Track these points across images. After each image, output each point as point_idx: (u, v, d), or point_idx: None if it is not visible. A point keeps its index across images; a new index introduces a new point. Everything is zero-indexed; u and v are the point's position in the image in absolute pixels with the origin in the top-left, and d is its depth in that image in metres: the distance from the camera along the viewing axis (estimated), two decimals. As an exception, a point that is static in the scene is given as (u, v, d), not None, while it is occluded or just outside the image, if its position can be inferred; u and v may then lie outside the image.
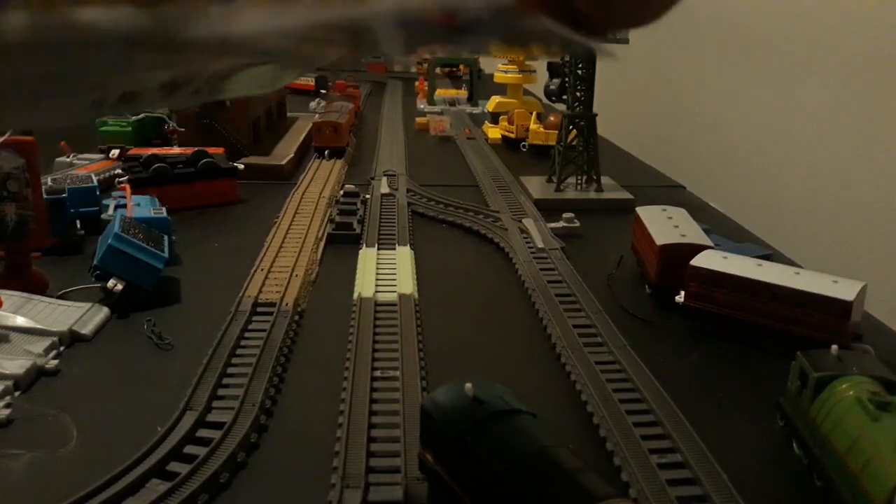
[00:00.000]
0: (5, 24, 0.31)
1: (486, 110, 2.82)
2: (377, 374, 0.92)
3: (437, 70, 3.50)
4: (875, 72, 1.99)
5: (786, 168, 2.37)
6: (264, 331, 1.02)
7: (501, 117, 2.51)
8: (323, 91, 3.41)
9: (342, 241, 1.44)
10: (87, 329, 1.03)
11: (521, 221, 1.53)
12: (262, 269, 1.24)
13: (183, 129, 1.97)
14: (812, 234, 2.18)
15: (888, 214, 1.92)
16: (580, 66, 1.70)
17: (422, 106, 3.17)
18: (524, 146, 2.35)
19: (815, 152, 2.23)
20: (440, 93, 3.32)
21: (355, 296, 1.16)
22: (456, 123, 2.73)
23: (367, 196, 1.70)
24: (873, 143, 1.99)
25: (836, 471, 0.70)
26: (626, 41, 1.68)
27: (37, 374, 0.92)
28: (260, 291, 1.15)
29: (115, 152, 1.88)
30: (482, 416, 0.65)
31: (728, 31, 2.78)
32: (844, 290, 0.96)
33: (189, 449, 0.77)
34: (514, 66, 2.71)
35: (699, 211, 1.54)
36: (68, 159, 1.85)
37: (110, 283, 1.10)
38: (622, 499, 0.55)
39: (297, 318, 1.10)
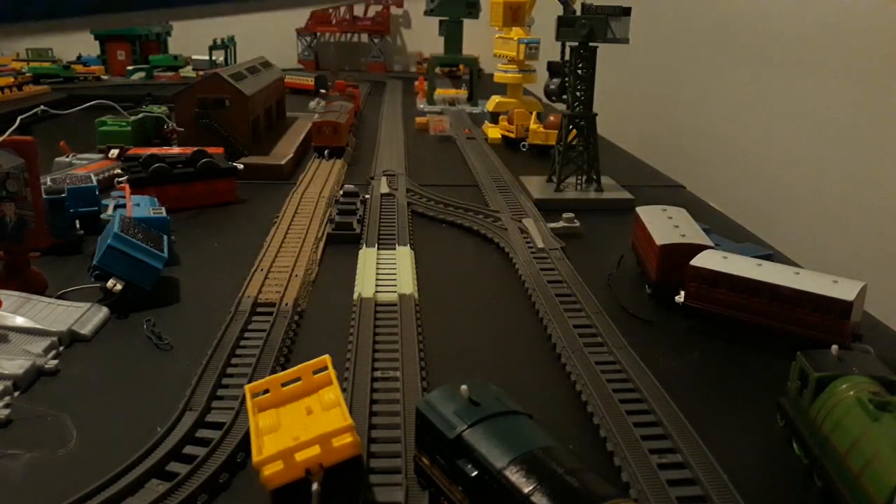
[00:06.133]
0: None
1: (485, 110, 2.82)
2: (377, 374, 0.92)
3: (437, 70, 3.50)
4: (875, 71, 1.99)
5: (785, 168, 2.37)
6: (264, 331, 1.02)
7: (501, 117, 2.51)
8: (322, 91, 3.41)
9: (342, 241, 1.44)
10: (86, 329, 1.03)
11: (521, 221, 1.53)
12: (261, 269, 1.24)
13: (182, 129, 1.97)
14: (812, 234, 2.18)
15: (888, 214, 1.92)
16: (580, 65, 1.70)
17: (421, 105, 3.17)
18: (524, 146, 2.35)
19: (816, 152, 2.23)
20: (440, 92, 3.32)
21: (355, 296, 1.16)
22: (456, 123, 2.73)
23: (367, 196, 1.70)
24: (873, 142, 1.99)
25: (837, 471, 0.70)
26: (626, 41, 1.68)
27: (36, 374, 0.92)
28: (259, 291, 1.15)
29: (114, 152, 1.88)
30: (479, 417, 0.65)
31: (728, 31, 2.78)
32: (844, 290, 0.96)
33: (188, 449, 0.77)
34: (514, 66, 2.71)
35: (699, 211, 1.54)
36: (67, 159, 1.85)
37: (109, 283, 1.10)
38: (624, 499, 0.55)
39: (296, 318, 1.10)
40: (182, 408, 0.83)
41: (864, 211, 2.02)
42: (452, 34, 3.18)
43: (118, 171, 1.69)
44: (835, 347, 0.80)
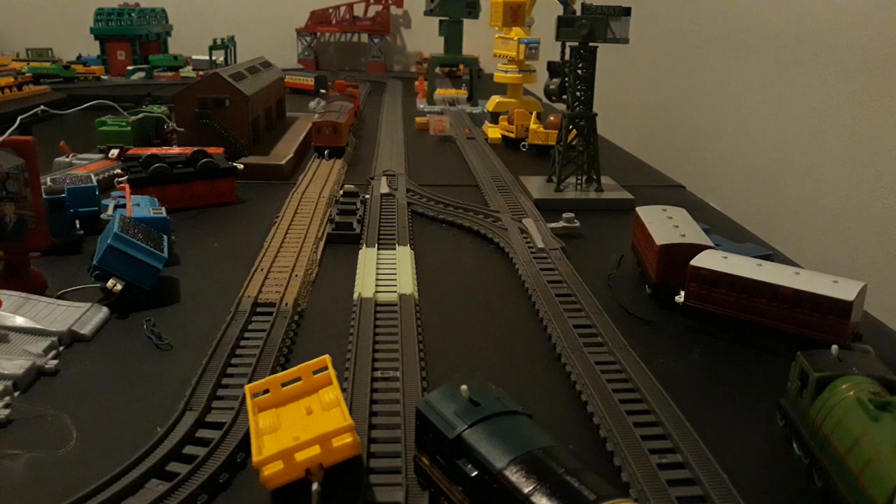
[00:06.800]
0: None
1: (485, 110, 2.82)
2: (377, 374, 0.92)
3: (437, 70, 3.50)
4: (875, 71, 1.99)
5: (786, 168, 2.37)
6: (264, 331, 1.02)
7: (501, 117, 2.51)
8: (322, 91, 3.41)
9: (342, 241, 1.44)
10: (86, 329, 1.03)
11: (521, 221, 1.53)
12: (261, 269, 1.24)
13: (182, 129, 1.97)
14: (812, 234, 2.18)
15: (888, 214, 1.92)
16: (580, 65, 1.70)
17: (421, 105, 3.17)
18: (524, 146, 2.35)
19: (815, 152, 2.23)
20: (440, 92, 3.31)
21: (355, 296, 1.16)
22: (455, 123, 2.73)
23: (367, 196, 1.70)
24: (873, 142, 1.99)
25: (837, 471, 0.70)
26: (626, 41, 1.68)
27: (36, 374, 0.92)
28: (259, 291, 1.15)
29: (114, 152, 1.88)
30: (479, 417, 0.65)
31: (728, 31, 2.78)
32: (844, 290, 0.96)
33: (188, 449, 0.77)
34: (514, 66, 2.71)
35: (699, 211, 1.54)
36: (67, 159, 1.85)
37: (109, 283, 1.10)
38: (624, 499, 0.55)
39: (296, 318, 1.10)
40: (182, 408, 0.83)
41: (864, 211, 2.01)
42: (452, 34, 3.18)
43: (118, 171, 1.69)
44: (835, 347, 0.80)
